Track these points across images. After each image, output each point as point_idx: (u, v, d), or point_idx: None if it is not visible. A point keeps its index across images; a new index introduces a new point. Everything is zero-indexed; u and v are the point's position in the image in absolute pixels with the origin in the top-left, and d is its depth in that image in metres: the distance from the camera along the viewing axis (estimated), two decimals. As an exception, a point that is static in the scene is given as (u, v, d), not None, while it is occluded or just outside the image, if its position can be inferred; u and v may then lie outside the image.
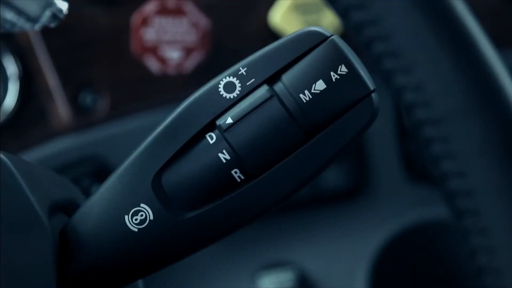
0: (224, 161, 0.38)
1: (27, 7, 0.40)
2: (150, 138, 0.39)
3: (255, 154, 0.38)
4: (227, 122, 0.38)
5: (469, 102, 0.26)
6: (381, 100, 0.40)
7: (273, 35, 0.83)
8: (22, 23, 0.41)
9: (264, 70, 0.39)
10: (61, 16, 0.42)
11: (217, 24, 0.83)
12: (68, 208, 0.42)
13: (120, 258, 0.39)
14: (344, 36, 0.40)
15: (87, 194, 0.42)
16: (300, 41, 0.39)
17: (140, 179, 0.39)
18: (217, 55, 0.83)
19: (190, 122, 0.39)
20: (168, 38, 0.82)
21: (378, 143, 0.91)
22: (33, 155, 0.82)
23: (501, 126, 0.26)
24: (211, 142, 0.39)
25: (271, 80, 0.39)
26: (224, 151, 0.38)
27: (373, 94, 0.38)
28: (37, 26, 0.42)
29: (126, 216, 0.39)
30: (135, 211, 0.39)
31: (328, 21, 0.83)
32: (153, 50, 0.81)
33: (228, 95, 0.39)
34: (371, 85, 0.38)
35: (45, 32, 0.80)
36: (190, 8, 0.82)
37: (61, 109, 0.82)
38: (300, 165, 0.39)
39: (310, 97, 0.38)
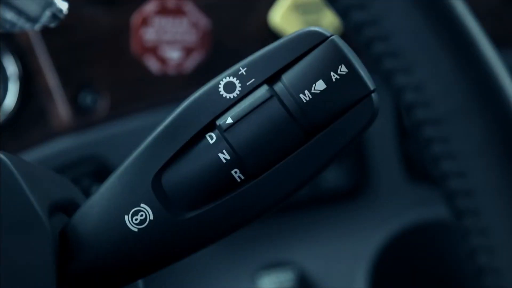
0: (224, 161, 0.38)
1: (27, 7, 0.40)
2: (150, 138, 0.39)
3: (255, 154, 0.38)
4: (227, 122, 0.38)
5: (469, 102, 0.26)
6: (381, 100, 0.40)
7: (273, 35, 0.83)
8: (22, 23, 0.41)
9: (264, 70, 0.39)
10: (61, 16, 0.42)
11: (217, 24, 0.83)
12: (68, 208, 0.42)
13: (120, 258, 0.39)
14: (344, 36, 0.40)
15: (87, 194, 0.42)
16: (300, 41, 0.39)
17: (140, 179, 0.39)
18: (217, 55, 0.83)
19: (190, 122, 0.39)
20: (168, 38, 0.82)
21: (378, 143, 0.91)
22: (33, 155, 0.82)
23: (501, 126, 0.26)
24: (211, 142, 0.39)
25: (271, 80, 0.39)
26: (224, 151, 0.38)
27: (373, 94, 0.38)
28: (37, 26, 0.42)
29: (126, 216, 0.39)
30: (135, 211, 0.39)
31: (328, 21, 0.83)
32: (153, 50, 0.81)
33: (228, 95, 0.39)
34: (371, 85, 0.38)
35: (45, 32, 0.80)
36: (190, 8, 0.82)
37: (61, 109, 0.82)
38: (300, 165, 0.39)
39: (310, 97, 0.38)
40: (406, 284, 0.96)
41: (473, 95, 0.26)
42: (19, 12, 0.40)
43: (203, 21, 0.82)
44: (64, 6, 0.42)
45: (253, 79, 0.39)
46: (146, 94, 0.84)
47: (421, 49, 0.26)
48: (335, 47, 0.39)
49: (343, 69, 0.38)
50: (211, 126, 0.39)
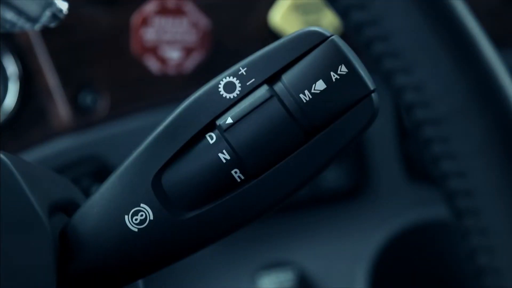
0: (224, 161, 0.38)
1: (27, 7, 0.40)
2: (150, 138, 0.39)
3: (255, 154, 0.38)
4: (227, 122, 0.38)
5: (469, 102, 0.26)
6: (381, 100, 0.40)
7: (273, 35, 0.83)
8: (22, 23, 0.41)
9: (264, 70, 0.39)
10: (61, 16, 0.42)
11: (217, 24, 0.83)
12: (68, 208, 0.42)
13: (120, 258, 0.39)
14: (344, 36, 0.40)
15: (87, 194, 0.42)
16: (300, 41, 0.39)
17: (140, 179, 0.39)
18: (217, 55, 0.83)
19: (190, 122, 0.39)
20: (168, 38, 0.82)
21: (378, 143, 0.91)
22: (33, 155, 0.82)
23: (501, 126, 0.26)
24: (211, 142, 0.39)
25: (271, 80, 0.39)
26: (224, 151, 0.38)
27: (373, 94, 0.38)
28: (37, 26, 0.42)
29: (126, 216, 0.39)
30: (135, 211, 0.39)
31: (328, 21, 0.83)
32: (153, 50, 0.81)
33: (228, 95, 0.39)
34: (371, 85, 0.38)
35: (45, 32, 0.80)
36: (190, 8, 0.82)
37: (61, 109, 0.82)
38: (300, 165, 0.39)
39: (310, 97, 0.38)
40: (406, 284, 0.96)
41: (473, 95, 0.26)
42: (19, 12, 0.40)
43: (203, 21, 0.82)
44: (64, 6, 0.42)
45: (253, 79, 0.39)
46: (146, 94, 0.84)
47: (421, 49, 0.26)
48: (335, 47, 0.39)
49: (343, 69, 0.38)
50: (211, 126, 0.39)
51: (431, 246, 0.96)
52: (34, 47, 0.81)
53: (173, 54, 0.82)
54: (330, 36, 0.39)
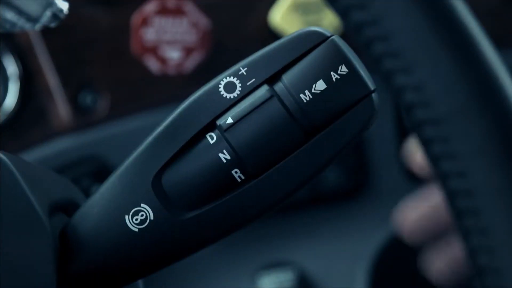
0: (224, 161, 0.38)
1: (27, 7, 0.40)
2: (150, 138, 0.39)
3: (255, 154, 0.38)
4: (228, 122, 0.38)
5: (470, 102, 0.26)
6: (381, 100, 0.40)
7: (273, 35, 0.83)
8: (22, 23, 0.41)
9: (264, 70, 0.39)
10: (62, 16, 0.42)
11: (217, 24, 0.83)
12: (68, 208, 0.42)
13: (120, 258, 0.39)
14: (344, 36, 0.40)
15: (87, 194, 0.42)
16: (300, 41, 0.39)
17: (141, 179, 0.39)
18: (217, 55, 0.83)
19: (190, 122, 0.39)
20: (168, 38, 0.82)
21: (378, 143, 0.91)
22: (33, 155, 0.82)
23: (501, 126, 0.26)
24: (211, 142, 0.39)
25: (272, 80, 0.39)
26: (224, 151, 0.38)
27: (373, 94, 0.38)
28: (38, 26, 0.42)
29: (126, 216, 0.39)
30: (135, 211, 0.39)
31: (328, 21, 0.83)
32: (153, 50, 0.81)
33: (228, 95, 0.39)
34: (371, 85, 0.38)
35: (45, 32, 0.80)
36: (190, 8, 0.82)
37: (61, 109, 0.82)
38: (300, 165, 0.39)
39: (310, 97, 0.38)
40: (406, 284, 0.96)
41: (474, 95, 0.26)
42: (20, 12, 0.40)
43: (203, 21, 0.82)
44: (64, 6, 0.42)
45: (254, 79, 0.39)
46: (146, 94, 0.84)
47: (421, 49, 0.26)
48: (335, 47, 0.39)
49: (343, 69, 0.38)
50: (211, 126, 0.39)
51: (431, 246, 0.96)
52: (34, 47, 0.81)
53: (173, 54, 0.82)
54: (330, 36, 0.39)
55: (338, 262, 0.92)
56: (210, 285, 0.90)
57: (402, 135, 0.91)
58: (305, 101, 0.38)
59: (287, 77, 0.39)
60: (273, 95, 0.38)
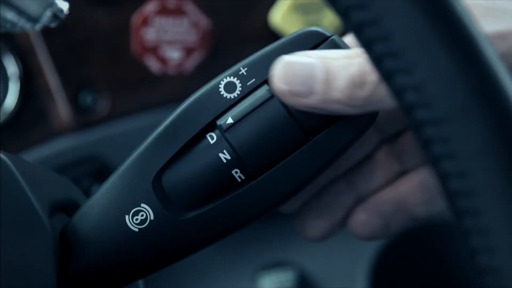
0: (224, 161, 0.38)
1: (27, 7, 0.40)
2: (150, 138, 0.39)
3: (256, 154, 0.38)
4: (228, 122, 0.38)
5: (470, 102, 0.26)
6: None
7: (273, 35, 0.83)
8: (22, 23, 0.41)
9: (264, 70, 0.39)
10: (62, 16, 0.42)
11: (217, 24, 0.83)
12: (68, 208, 0.42)
13: (121, 258, 0.39)
14: (344, 36, 0.40)
15: (87, 194, 0.42)
16: (300, 41, 0.39)
17: (141, 179, 0.39)
18: (217, 55, 0.83)
19: (191, 122, 0.39)
20: (168, 38, 0.82)
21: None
22: (33, 155, 0.82)
23: (501, 126, 0.26)
24: (211, 142, 0.39)
25: (272, 80, 0.39)
26: (224, 151, 0.38)
27: (373, 94, 0.38)
28: (38, 26, 0.42)
29: (126, 216, 0.39)
30: (135, 211, 0.39)
31: (328, 21, 0.83)
32: (153, 50, 0.81)
33: (228, 95, 0.39)
34: (371, 85, 0.38)
35: (45, 32, 0.80)
36: (190, 8, 0.82)
37: (61, 109, 0.82)
38: (300, 165, 0.39)
39: (311, 97, 0.38)
40: (406, 284, 0.96)
41: (474, 95, 0.26)
42: (20, 12, 0.40)
43: (203, 21, 0.82)
44: (64, 6, 0.42)
45: (254, 79, 0.39)
46: (146, 94, 0.84)
47: (421, 49, 0.26)
48: (335, 47, 0.39)
49: (343, 69, 0.38)
50: (211, 126, 0.39)
51: (431, 246, 0.96)
52: (34, 47, 0.81)
53: (173, 54, 0.82)
54: (330, 36, 0.39)
55: (338, 262, 0.92)
56: (210, 285, 0.90)
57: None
58: (305, 101, 0.38)
59: (287, 77, 0.39)
60: (273, 95, 0.38)
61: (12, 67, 0.80)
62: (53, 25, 0.42)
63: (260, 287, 0.90)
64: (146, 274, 0.40)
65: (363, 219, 0.41)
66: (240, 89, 0.39)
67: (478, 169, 0.26)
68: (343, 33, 0.78)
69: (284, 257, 0.91)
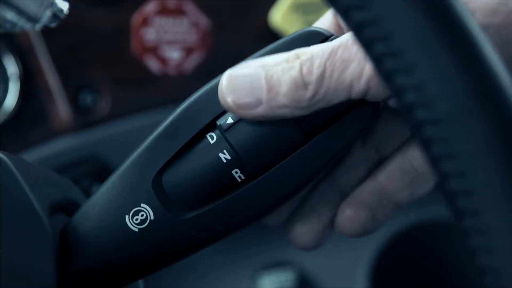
0: (224, 161, 0.38)
1: (27, 7, 0.40)
2: (150, 138, 0.39)
3: (256, 154, 0.38)
4: (228, 122, 0.38)
5: (470, 102, 0.26)
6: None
7: (274, 35, 0.83)
8: (22, 23, 0.41)
9: (264, 70, 0.39)
10: (62, 16, 0.42)
11: (217, 24, 0.83)
12: (68, 208, 0.42)
13: (121, 258, 0.39)
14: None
15: (87, 194, 0.42)
16: (300, 41, 0.39)
17: (141, 179, 0.39)
18: (217, 55, 0.83)
19: (191, 122, 0.39)
20: (168, 38, 0.82)
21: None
22: (33, 155, 0.82)
23: (502, 126, 0.26)
24: (211, 142, 0.39)
25: (272, 80, 0.39)
26: (224, 151, 0.38)
27: (373, 94, 0.38)
28: (38, 26, 0.42)
29: (126, 216, 0.39)
30: (135, 211, 0.39)
31: (328, 21, 0.83)
32: (153, 50, 0.82)
33: (228, 95, 0.39)
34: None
35: (45, 32, 0.80)
36: (190, 8, 0.82)
37: (61, 109, 0.82)
38: (300, 165, 0.39)
39: (311, 97, 0.38)
40: (406, 284, 0.96)
41: (474, 95, 0.26)
42: (20, 12, 0.40)
43: (203, 21, 0.82)
44: (64, 6, 0.42)
45: (254, 79, 0.39)
46: (146, 94, 0.84)
47: (422, 49, 0.26)
48: (336, 47, 0.39)
49: (343, 69, 0.38)
50: (211, 126, 0.39)
51: (431, 246, 0.96)
52: (34, 47, 0.81)
53: (173, 54, 0.82)
54: (330, 36, 0.39)
55: (338, 262, 0.92)
56: (210, 285, 0.90)
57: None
58: (305, 101, 0.38)
59: (287, 77, 0.39)
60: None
61: (12, 67, 0.80)
62: (53, 25, 0.42)
63: (260, 287, 0.90)
64: (146, 274, 0.40)
65: (349, 215, 0.40)
66: (240, 89, 0.39)
67: (478, 169, 0.26)
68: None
69: (284, 257, 0.91)
